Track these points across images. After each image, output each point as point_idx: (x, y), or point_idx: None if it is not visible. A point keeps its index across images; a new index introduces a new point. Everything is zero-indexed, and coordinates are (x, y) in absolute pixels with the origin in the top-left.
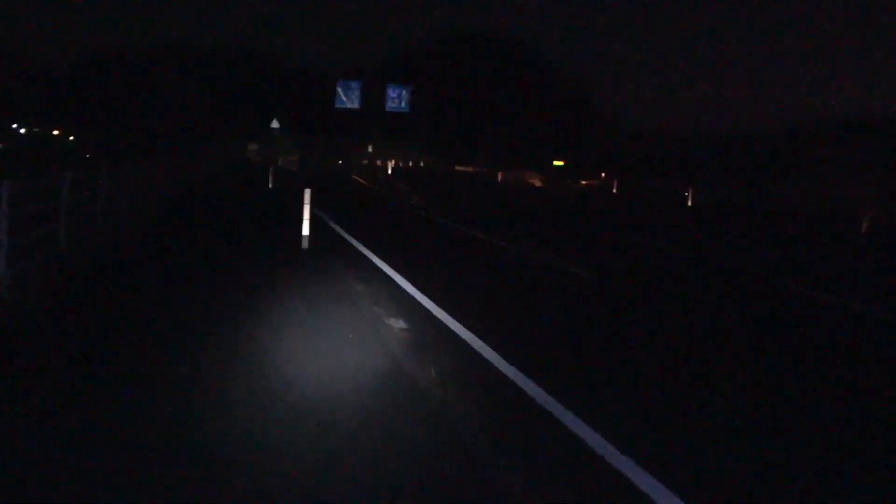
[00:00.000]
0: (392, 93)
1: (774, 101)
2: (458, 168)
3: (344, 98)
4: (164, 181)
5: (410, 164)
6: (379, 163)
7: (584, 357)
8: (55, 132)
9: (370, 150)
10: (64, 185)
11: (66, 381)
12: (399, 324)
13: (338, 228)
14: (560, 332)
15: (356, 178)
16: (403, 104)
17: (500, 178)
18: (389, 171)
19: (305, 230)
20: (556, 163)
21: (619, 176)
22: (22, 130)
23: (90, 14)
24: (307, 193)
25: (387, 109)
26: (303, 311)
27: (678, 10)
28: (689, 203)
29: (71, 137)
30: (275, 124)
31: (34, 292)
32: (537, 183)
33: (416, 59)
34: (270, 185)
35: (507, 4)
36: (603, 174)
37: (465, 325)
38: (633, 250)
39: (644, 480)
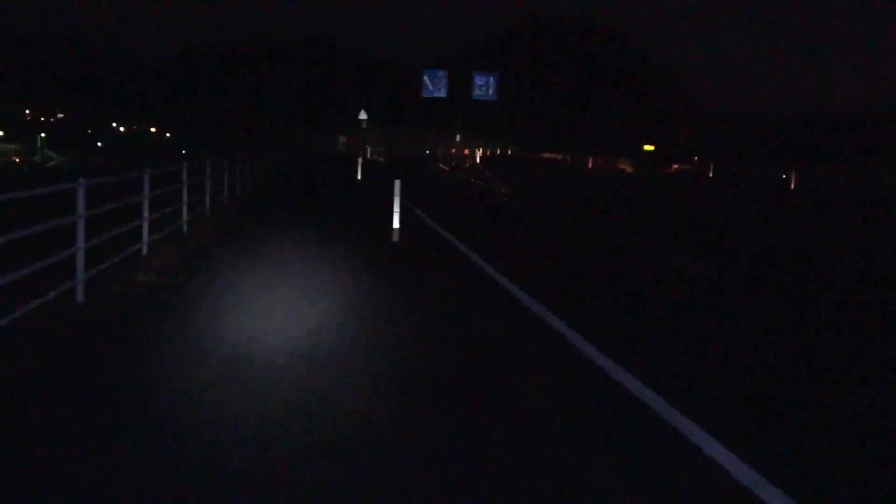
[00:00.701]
0: (479, 80)
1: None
2: (546, 155)
3: (430, 87)
4: (257, 173)
5: (498, 151)
6: (466, 151)
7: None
8: (152, 129)
9: (458, 138)
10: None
11: None
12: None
13: (429, 221)
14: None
15: (443, 167)
16: (491, 92)
17: (590, 164)
18: (478, 160)
19: (396, 223)
20: (646, 147)
21: (713, 160)
22: (121, 129)
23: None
24: (397, 185)
25: (474, 97)
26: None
27: None
28: (792, 186)
29: (168, 134)
30: (362, 115)
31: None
32: (628, 169)
33: (502, 45)
34: (359, 177)
35: None
36: (695, 158)
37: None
38: (745, 242)
39: None
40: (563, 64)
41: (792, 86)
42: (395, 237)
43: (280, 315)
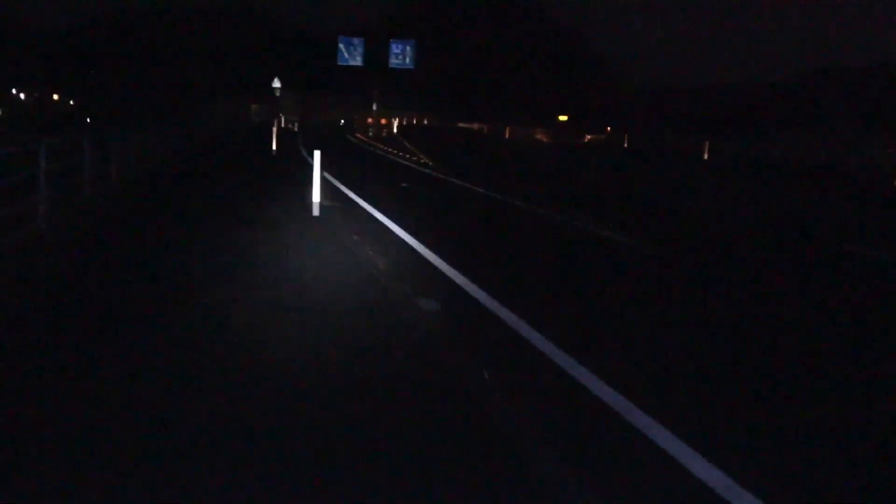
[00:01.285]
0: (396, 48)
1: (782, 50)
2: (461, 125)
3: (346, 55)
4: (167, 144)
5: (414, 121)
6: (384, 121)
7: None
8: (55, 97)
9: (374, 108)
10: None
11: None
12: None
13: (347, 192)
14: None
15: (360, 136)
16: (408, 60)
17: (507, 134)
18: (395, 130)
19: (316, 196)
20: (560, 118)
21: (627, 130)
22: (22, 96)
23: None
24: (317, 156)
25: (391, 66)
26: None
27: None
28: (706, 157)
29: (71, 102)
30: (276, 84)
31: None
32: (544, 139)
33: (417, 14)
34: (274, 149)
35: None
36: (608, 128)
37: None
38: (666, 210)
39: None
40: (479, 34)
41: (714, 57)
42: (316, 211)
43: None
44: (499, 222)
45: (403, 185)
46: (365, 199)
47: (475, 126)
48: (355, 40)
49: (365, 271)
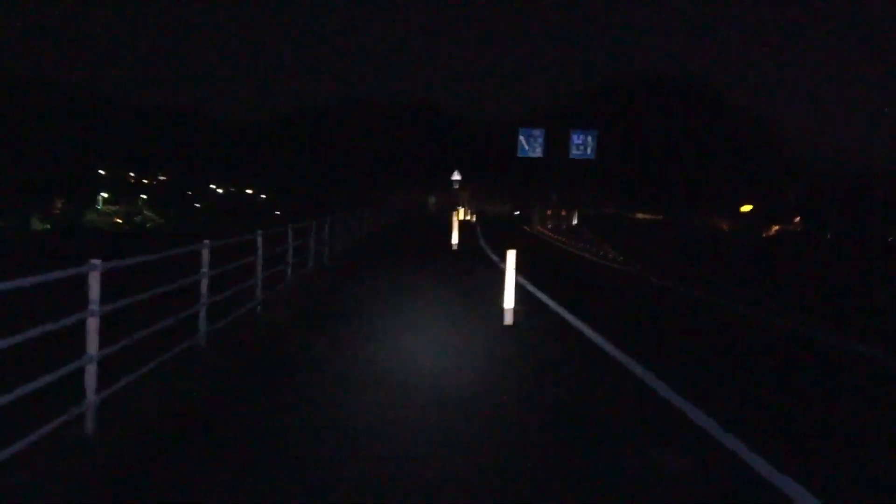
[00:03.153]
0: (577, 139)
1: None
2: (639, 215)
3: (526, 146)
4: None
5: (593, 212)
6: (564, 212)
7: None
8: (248, 191)
9: (554, 198)
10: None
11: None
12: None
13: (537, 293)
14: None
15: (541, 229)
16: (589, 150)
17: (691, 224)
18: (575, 221)
19: (509, 301)
20: (743, 208)
21: (828, 221)
22: (219, 190)
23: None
24: (511, 257)
25: (571, 157)
26: None
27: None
28: None
29: (262, 196)
30: (456, 176)
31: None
32: (724, 227)
33: (597, 104)
34: (455, 244)
35: (689, 46)
36: (798, 218)
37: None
38: None
39: None
40: (659, 123)
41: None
42: (508, 319)
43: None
44: (735, 340)
45: (598, 284)
46: (558, 303)
47: (655, 216)
48: (535, 132)
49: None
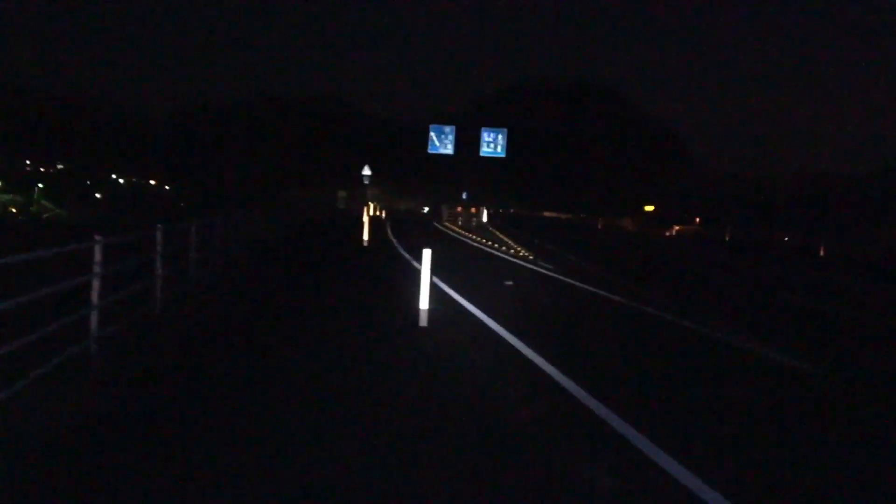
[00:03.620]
0: (487, 136)
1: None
2: (546, 213)
3: (437, 143)
4: (254, 230)
5: (500, 210)
6: (474, 209)
7: None
8: (151, 182)
9: (464, 196)
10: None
11: None
12: None
13: (450, 291)
14: None
15: (450, 225)
16: (499, 149)
17: (600, 224)
18: (484, 219)
19: (424, 302)
20: (646, 208)
21: (720, 221)
22: (121, 181)
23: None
24: (427, 256)
25: (481, 154)
26: None
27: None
28: (821, 253)
29: (167, 187)
30: (366, 171)
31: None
32: (630, 227)
33: (504, 105)
34: (366, 240)
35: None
36: (697, 219)
37: None
38: (815, 319)
39: None
40: (564, 124)
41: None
42: (423, 321)
43: None
44: (638, 337)
45: (507, 282)
46: (471, 302)
47: (563, 216)
48: (446, 128)
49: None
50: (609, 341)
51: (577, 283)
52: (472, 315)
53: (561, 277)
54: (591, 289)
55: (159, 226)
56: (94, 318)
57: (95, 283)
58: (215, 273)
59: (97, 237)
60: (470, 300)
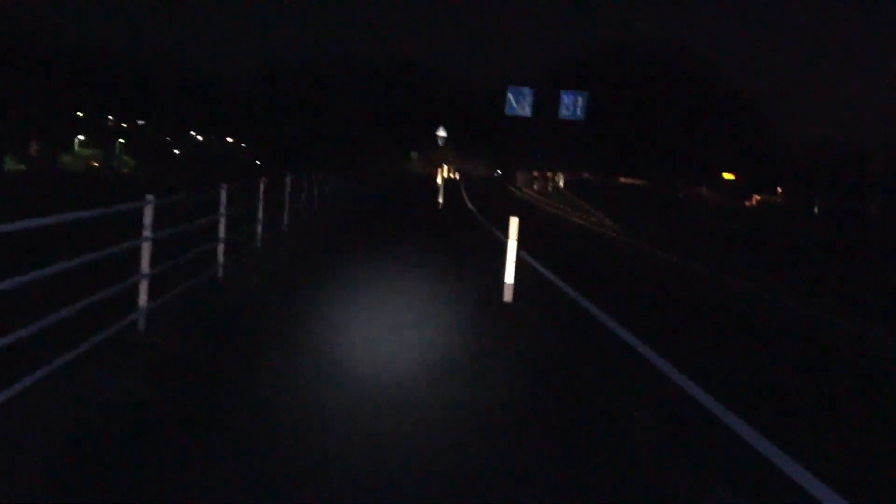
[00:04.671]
0: (567, 99)
1: None
2: (622, 180)
3: (514, 105)
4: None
5: (577, 175)
6: (550, 175)
7: None
8: (228, 139)
9: (540, 159)
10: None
11: None
12: None
13: (537, 265)
14: None
15: (527, 191)
16: (579, 112)
17: (682, 193)
18: (561, 184)
19: (510, 276)
20: (725, 175)
21: (808, 192)
22: (199, 138)
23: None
24: (514, 225)
25: (560, 117)
26: None
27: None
28: None
29: (243, 144)
30: (441, 132)
31: None
32: (706, 194)
33: (586, 69)
34: (441, 202)
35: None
36: (780, 189)
37: None
38: None
39: None
40: (645, 89)
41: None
42: (508, 296)
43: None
44: (751, 323)
45: (598, 260)
46: (561, 278)
47: (638, 182)
48: (525, 90)
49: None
50: (738, 342)
51: (667, 256)
52: (559, 289)
53: (655, 251)
54: (692, 266)
55: (223, 185)
56: (143, 289)
57: (146, 248)
58: (288, 235)
59: (149, 197)
60: (555, 273)
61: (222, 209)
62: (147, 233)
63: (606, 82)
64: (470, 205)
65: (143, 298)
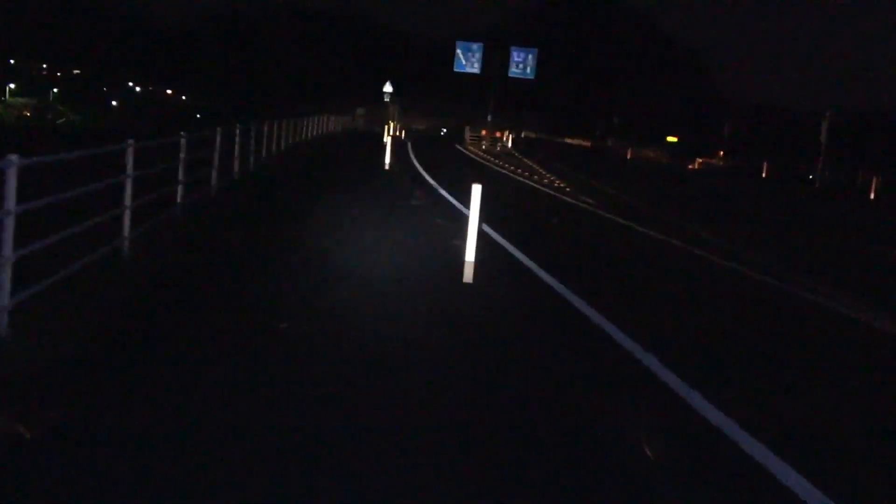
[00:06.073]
0: (517, 57)
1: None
2: (567, 140)
3: (463, 61)
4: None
5: (522, 135)
6: (498, 133)
7: None
8: (168, 91)
9: (489, 119)
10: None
11: None
12: None
13: (493, 234)
14: None
15: (474, 150)
16: (529, 70)
17: (629, 154)
18: (510, 144)
19: (470, 254)
20: (668, 138)
21: (760, 156)
22: (137, 89)
23: None
24: (476, 194)
25: (510, 75)
26: None
27: None
28: (871, 196)
29: (183, 97)
30: (387, 88)
31: None
32: (651, 156)
33: (534, 24)
34: (388, 164)
35: None
36: (721, 152)
37: None
38: None
39: None
40: (591, 48)
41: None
42: (468, 276)
43: None
44: (745, 310)
45: (554, 219)
46: (518, 248)
47: (584, 143)
48: (474, 46)
49: None
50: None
51: (627, 223)
52: (518, 261)
53: (607, 214)
54: (649, 233)
55: (183, 134)
56: (126, 219)
57: (128, 185)
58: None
59: (129, 141)
60: (510, 242)
61: (182, 154)
62: (129, 171)
63: (555, 39)
64: (419, 166)
65: (126, 227)
